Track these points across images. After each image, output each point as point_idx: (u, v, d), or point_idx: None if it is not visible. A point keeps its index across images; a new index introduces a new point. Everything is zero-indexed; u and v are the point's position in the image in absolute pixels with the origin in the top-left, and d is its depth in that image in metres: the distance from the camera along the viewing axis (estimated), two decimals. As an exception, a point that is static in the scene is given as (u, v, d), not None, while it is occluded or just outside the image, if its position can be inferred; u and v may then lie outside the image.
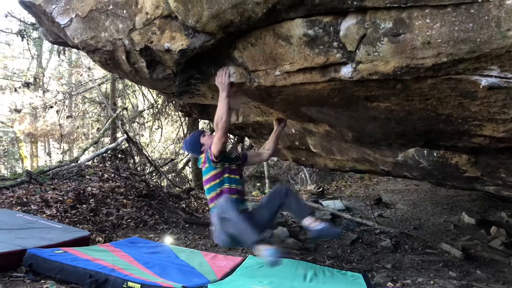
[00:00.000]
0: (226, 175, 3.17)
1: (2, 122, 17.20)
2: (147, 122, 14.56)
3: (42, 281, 2.93)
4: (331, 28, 2.17)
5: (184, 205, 6.77)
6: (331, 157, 4.65)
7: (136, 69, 2.96)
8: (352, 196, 10.48)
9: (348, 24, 2.10)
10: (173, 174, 13.27)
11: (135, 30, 2.73)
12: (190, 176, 12.87)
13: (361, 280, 3.75)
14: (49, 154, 16.70)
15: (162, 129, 14.45)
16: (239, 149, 10.44)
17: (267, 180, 12.73)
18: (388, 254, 5.62)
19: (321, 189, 10.49)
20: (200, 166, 3.30)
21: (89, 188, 5.75)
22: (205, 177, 3.20)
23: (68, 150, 15.24)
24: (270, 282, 3.29)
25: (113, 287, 2.80)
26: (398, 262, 5.16)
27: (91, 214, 4.99)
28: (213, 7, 2.33)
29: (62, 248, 3.37)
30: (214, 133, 3.14)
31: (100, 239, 4.40)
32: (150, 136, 15.26)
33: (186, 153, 12.47)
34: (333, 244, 6.03)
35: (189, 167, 12.84)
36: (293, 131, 4.52)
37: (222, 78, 2.88)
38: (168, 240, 4.73)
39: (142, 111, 13.91)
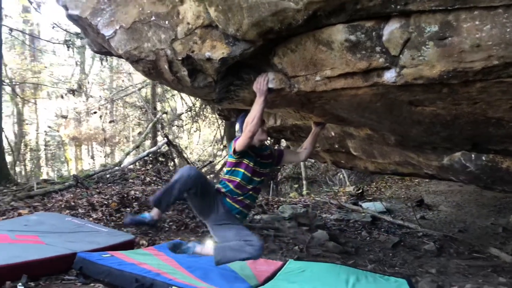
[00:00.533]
0: (242, 170, 3.24)
1: (50, 127, 18.05)
2: (185, 124, 14.87)
3: (92, 284, 3.04)
4: (373, 33, 2.13)
5: (223, 208, 6.83)
6: (372, 160, 4.56)
7: (178, 78, 3.03)
8: (392, 198, 10.26)
9: (391, 29, 2.06)
10: (211, 175, 13.44)
11: (177, 40, 2.79)
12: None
13: (405, 286, 3.65)
14: (92, 157, 17.34)
15: (200, 131, 14.70)
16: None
17: (304, 182, 12.65)
18: (432, 258, 5.47)
19: (360, 191, 10.34)
20: None
21: (132, 192, 5.92)
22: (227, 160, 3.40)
23: (110, 153, 15.79)
24: (312, 288, 3.27)
25: (158, 292, 2.87)
26: (443, 267, 5.01)
27: (135, 217, 5.13)
28: (253, 15, 2.34)
29: (109, 252, 3.48)
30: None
31: (144, 242, 4.51)
32: (188, 138, 15.57)
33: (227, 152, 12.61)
34: (375, 248, 5.93)
35: (227, 168, 12.99)
36: (333, 134, 4.47)
37: (260, 85, 2.88)
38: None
39: (180, 114, 14.19)
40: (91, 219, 4.81)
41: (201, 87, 3.07)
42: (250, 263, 3.97)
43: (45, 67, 16.54)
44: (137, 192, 5.98)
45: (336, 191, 11.30)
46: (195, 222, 5.56)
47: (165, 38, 2.84)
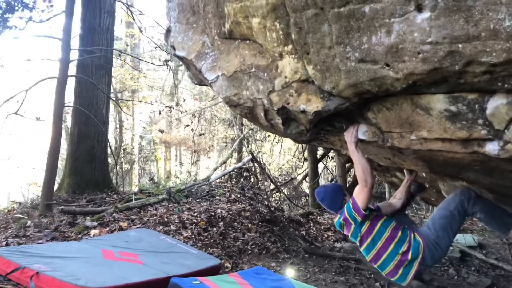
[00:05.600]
0: (380, 221, 3.13)
1: (144, 128, 19.47)
2: (268, 136, 15.16)
3: (183, 310, 3.29)
4: (476, 106, 2.09)
5: (303, 232, 6.90)
6: (465, 205, 4.34)
7: (272, 124, 3.18)
8: (485, 230, 9.48)
9: (496, 104, 2.00)
10: (290, 187, 13.52)
11: (274, 91, 2.94)
12: (307, 191, 13.01)
13: None
14: (181, 163, 18.36)
15: (282, 142, 14.89)
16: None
17: (388, 203, 12.17)
18: (531, 310, 5.03)
19: (449, 220, 9.71)
20: (343, 231, 3.29)
21: (219, 210, 6.22)
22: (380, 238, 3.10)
23: (197, 160, 16.64)
24: None
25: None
26: (544, 323, 4.59)
27: (220, 237, 5.40)
28: (351, 77, 2.40)
29: (198, 278, 3.73)
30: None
31: (228, 265, 4.74)
32: (270, 149, 15.85)
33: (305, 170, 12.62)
34: (463, 290, 5.60)
35: (306, 181, 12.99)
36: (424, 175, 4.33)
37: (352, 136, 2.93)
38: (289, 272, 4.89)
39: (264, 127, 14.50)
40: (181, 237, 5.15)
41: (293, 134, 3.18)
42: (331, 301, 4.00)
43: (145, 76, 17.90)
44: (223, 211, 6.27)
45: (422, 217, 10.75)
46: (276, 247, 5.69)
47: (263, 89, 3.00)
